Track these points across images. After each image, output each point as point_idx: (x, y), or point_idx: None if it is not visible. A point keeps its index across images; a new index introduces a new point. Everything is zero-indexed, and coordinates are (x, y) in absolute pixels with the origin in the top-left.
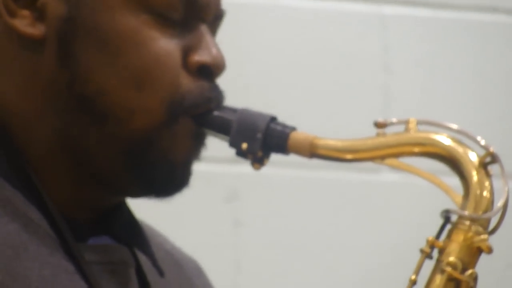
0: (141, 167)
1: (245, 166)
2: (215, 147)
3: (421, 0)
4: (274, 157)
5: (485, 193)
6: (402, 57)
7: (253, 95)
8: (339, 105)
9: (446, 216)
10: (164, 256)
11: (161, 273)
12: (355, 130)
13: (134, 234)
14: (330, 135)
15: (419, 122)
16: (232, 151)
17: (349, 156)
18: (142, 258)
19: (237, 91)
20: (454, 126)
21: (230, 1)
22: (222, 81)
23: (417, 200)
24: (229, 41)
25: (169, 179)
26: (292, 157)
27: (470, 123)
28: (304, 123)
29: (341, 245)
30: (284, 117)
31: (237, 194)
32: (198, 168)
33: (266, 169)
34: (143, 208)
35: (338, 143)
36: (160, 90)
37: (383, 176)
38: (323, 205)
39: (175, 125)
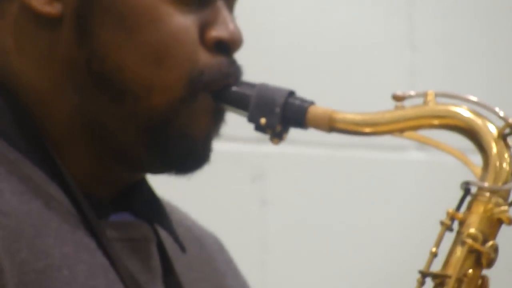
0: (160, 143)
1: (272, 146)
2: (241, 126)
3: None
4: (300, 136)
5: (504, 165)
6: (429, 35)
7: (277, 74)
8: (365, 83)
9: (466, 188)
10: (185, 232)
11: (182, 248)
12: (381, 109)
13: (155, 210)
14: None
15: (437, 95)
16: (257, 131)
17: (367, 130)
18: (163, 234)
19: (261, 70)
20: (473, 98)
21: None
22: (247, 59)
23: (441, 178)
24: (254, 20)
25: (189, 155)
26: (318, 136)
27: (496, 101)
28: (330, 102)
29: (367, 223)
30: (309, 96)
31: (264, 174)
32: (224, 147)
33: (292, 148)
34: (169, 188)
35: (357, 117)
36: (178, 66)
37: (408, 154)
38: (349, 184)
39: (194, 101)
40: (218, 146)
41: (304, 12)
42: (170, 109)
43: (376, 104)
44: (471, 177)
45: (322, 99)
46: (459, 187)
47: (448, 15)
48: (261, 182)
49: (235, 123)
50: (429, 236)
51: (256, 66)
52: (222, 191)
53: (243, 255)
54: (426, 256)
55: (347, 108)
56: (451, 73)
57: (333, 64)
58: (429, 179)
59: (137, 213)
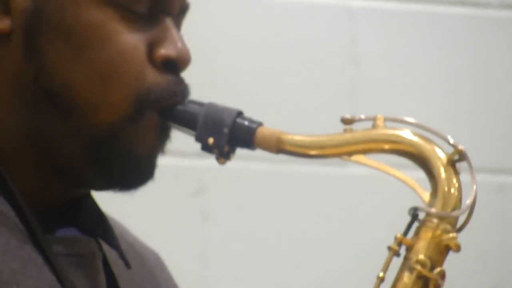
0: (105, 160)
1: (213, 160)
2: (182, 141)
3: None
4: (241, 150)
5: (453, 191)
6: (370, 50)
7: (218, 88)
8: (306, 98)
9: (414, 213)
10: (127, 247)
11: (127, 265)
12: (322, 123)
13: (100, 226)
14: (296, 128)
15: (386, 119)
16: (199, 145)
17: (315, 152)
18: (107, 249)
19: (203, 83)
20: (423, 124)
21: None
22: (188, 74)
23: (384, 195)
24: (196, 33)
25: (133, 172)
26: (259, 151)
27: (437, 117)
28: (270, 116)
29: (308, 239)
30: (250, 110)
31: (205, 188)
32: (165, 162)
33: (233, 163)
34: (110, 202)
35: (305, 139)
36: (125, 84)
37: (350, 169)
38: (290, 199)
39: (141, 119)
40: (159, 160)
41: (244, 27)
42: (115, 127)
43: (316, 117)
44: (413, 194)
45: (262, 112)
46: (407, 212)
47: (389, 30)
48: (202, 196)
49: (176, 137)
50: (372, 253)
51: (198, 79)
52: (163, 205)
53: (183, 269)
54: (372, 280)
55: (287, 121)
56: (392, 88)
57: (273, 77)
58: (370, 194)
59: (83, 229)
